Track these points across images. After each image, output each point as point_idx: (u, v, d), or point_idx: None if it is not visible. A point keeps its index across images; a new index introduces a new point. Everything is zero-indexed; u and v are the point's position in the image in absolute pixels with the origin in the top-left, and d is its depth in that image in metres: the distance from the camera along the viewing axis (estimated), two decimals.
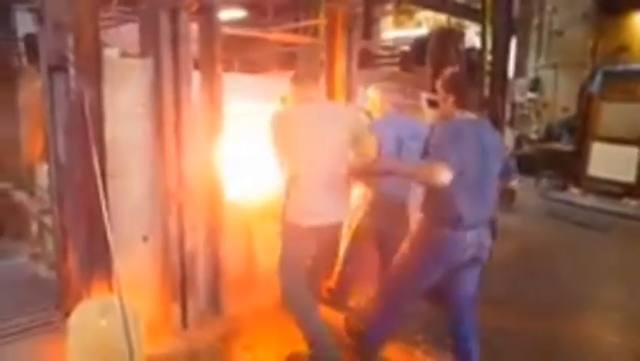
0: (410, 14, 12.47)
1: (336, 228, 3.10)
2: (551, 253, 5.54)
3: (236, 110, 3.54)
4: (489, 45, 5.26)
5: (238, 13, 9.33)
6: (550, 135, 10.16)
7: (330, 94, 3.95)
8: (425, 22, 11.51)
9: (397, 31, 11.64)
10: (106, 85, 2.88)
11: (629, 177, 7.87)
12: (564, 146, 9.32)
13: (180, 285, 3.30)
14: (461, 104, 2.55)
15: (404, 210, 3.51)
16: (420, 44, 5.22)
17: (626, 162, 7.86)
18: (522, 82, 10.30)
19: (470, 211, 2.50)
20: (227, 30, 4.33)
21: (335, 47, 3.93)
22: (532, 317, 3.87)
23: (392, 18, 13.08)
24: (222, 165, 3.41)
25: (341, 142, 3.00)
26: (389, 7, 12.59)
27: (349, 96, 4.02)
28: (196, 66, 3.33)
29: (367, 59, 7.12)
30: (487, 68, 5.28)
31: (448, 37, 4.90)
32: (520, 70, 11.17)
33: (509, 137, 7.75)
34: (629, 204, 7.66)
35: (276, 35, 4.55)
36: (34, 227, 4.69)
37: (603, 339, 3.63)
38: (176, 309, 3.31)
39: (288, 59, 6.82)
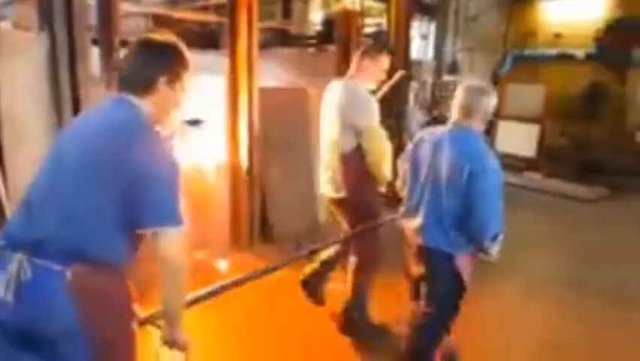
0: None
1: None
2: None
3: None
4: (393, 26, 5.58)
5: None
6: None
7: (233, 71, 4.15)
8: (352, 4, 11.72)
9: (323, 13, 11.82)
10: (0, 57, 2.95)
11: (531, 153, 8.55)
12: None
13: None
14: None
15: None
16: (328, 24, 5.47)
17: (528, 138, 8.53)
18: (429, 63, 10.77)
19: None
20: (130, 7, 4.41)
21: (236, 25, 4.12)
22: None
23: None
24: None
25: None
26: None
27: (250, 73, 4.22)
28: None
29: (286, 39, 7.33)
30: (391, 48, 5.58)
31: (349, 18, 5.17)
32: (439, 53, 11.69)
33: (418, 117, 8.21)
34: (531, 178, 8.31)
35: (184, 14, 4.67)
36: None
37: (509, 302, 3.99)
38: None
39: (203, 38, 6.91)
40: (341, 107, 3.13)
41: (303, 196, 5.29)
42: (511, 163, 8.67)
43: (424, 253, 2.61)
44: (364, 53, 3.20)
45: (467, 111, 2.50)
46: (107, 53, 3.42)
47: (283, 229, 4.89)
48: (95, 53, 3.43)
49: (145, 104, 1.72)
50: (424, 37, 10.88)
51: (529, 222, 5.88)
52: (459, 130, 2.52)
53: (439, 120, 10.54)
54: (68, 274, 1.52)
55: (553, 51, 9.04)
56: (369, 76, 3.22)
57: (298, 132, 5.26)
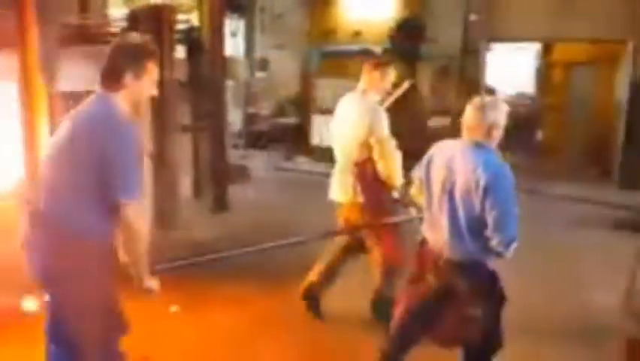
0: None
1: None
2: (281, 210, 6.26)
3: None
4: (206, 22, 5.38)
5: None
6: (279, 111, 10.98)
7: (26, 74, 3.55)
8: None
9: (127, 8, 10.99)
10: None
11: None
12: (290, 120, 10.19)
13: None
14: None
15: None
16: (134, 20, 5.02)
17: None
18: (241, 61, 10.82)
19: None
20: None
21: (25, 20, 3.52)
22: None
23: None
24: None
25: None
26: None
27: (48, 75, 3.66)
28: None
29: (87, 36, 6.59)
30: (207, 46, 5.39)
31: (159, 14, 4.83)
32: (250, 51, 11.71)
33: (236, 114, 8.19)
34: None
35: None
36: None
37: None
38: None
39: None
40: (355, 122, 3.41)
41: None
42: (329, 155, 9.08)
43: (455, 268, 2.59)
44: (375, 67, 3.49)
45: (470, 127, 2.53)
46: None
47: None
48: None
49: (117, 98, 2.12)
50: (234, 34, 10.79)
51: None
52: (469, 145, 2.53)
53: (255, 117, 10.67)
54: (49, 239, 2.07)
55: (355, 47, 9.66)
56: (378, 88, 3.52)
57: None
